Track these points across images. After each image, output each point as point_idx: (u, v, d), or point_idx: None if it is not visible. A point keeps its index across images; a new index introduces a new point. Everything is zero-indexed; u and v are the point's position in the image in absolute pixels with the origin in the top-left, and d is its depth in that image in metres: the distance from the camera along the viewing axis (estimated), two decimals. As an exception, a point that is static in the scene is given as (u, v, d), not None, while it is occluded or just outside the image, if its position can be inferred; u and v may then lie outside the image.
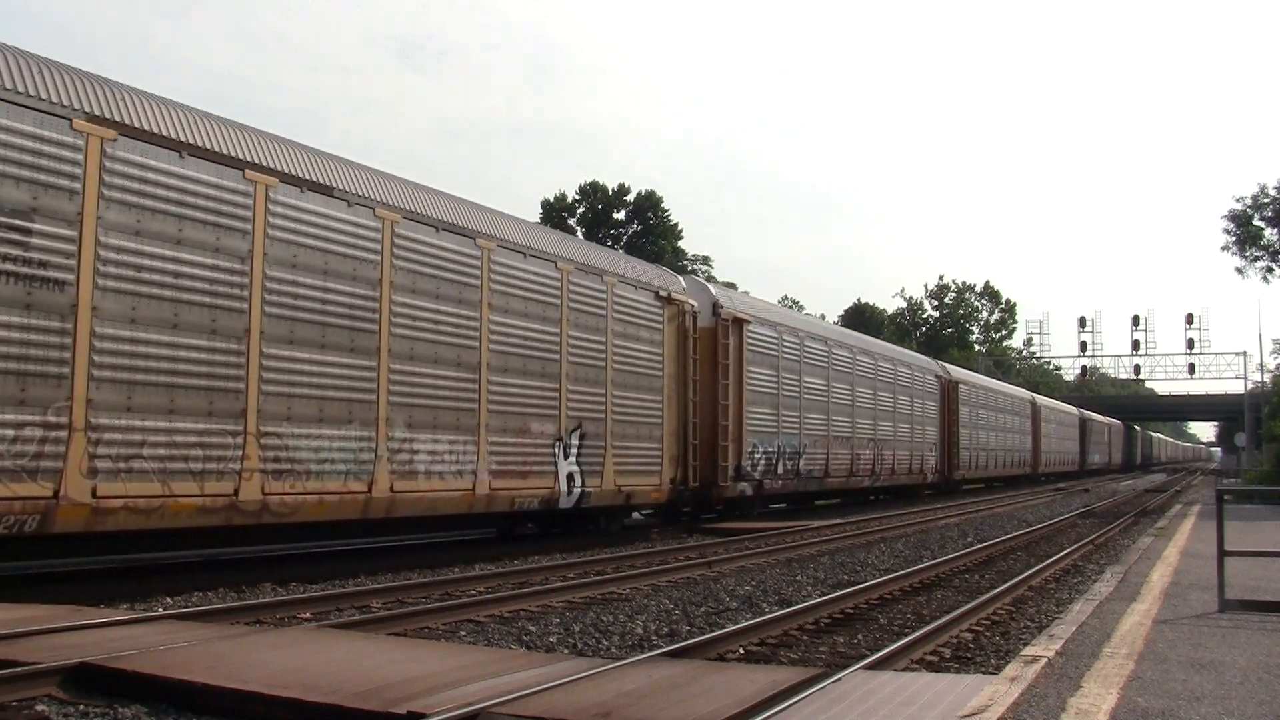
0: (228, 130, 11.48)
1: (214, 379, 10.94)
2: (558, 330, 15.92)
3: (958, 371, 42.98)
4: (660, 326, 18.80)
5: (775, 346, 23.45)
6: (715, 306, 20.85)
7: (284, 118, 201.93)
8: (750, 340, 21.99)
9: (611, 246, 44.28)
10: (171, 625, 8.09)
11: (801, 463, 24.38)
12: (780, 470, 23.37)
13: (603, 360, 17.05)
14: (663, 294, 18.94)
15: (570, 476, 15.95)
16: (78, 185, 9.89)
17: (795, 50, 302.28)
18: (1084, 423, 69.02)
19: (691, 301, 19.84)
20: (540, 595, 10.78)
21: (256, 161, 11.59)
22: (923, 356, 40.91)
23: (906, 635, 8.62)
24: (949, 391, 37.98)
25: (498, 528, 17.06)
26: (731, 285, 53.53)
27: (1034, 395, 57.45)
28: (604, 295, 17.24)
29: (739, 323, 21.64)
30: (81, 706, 5.85)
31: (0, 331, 9.15)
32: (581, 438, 16.24)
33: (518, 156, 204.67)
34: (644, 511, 20.06)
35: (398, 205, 13.25)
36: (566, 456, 15.90)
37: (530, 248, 15.59)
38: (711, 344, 20.52)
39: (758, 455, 22.19)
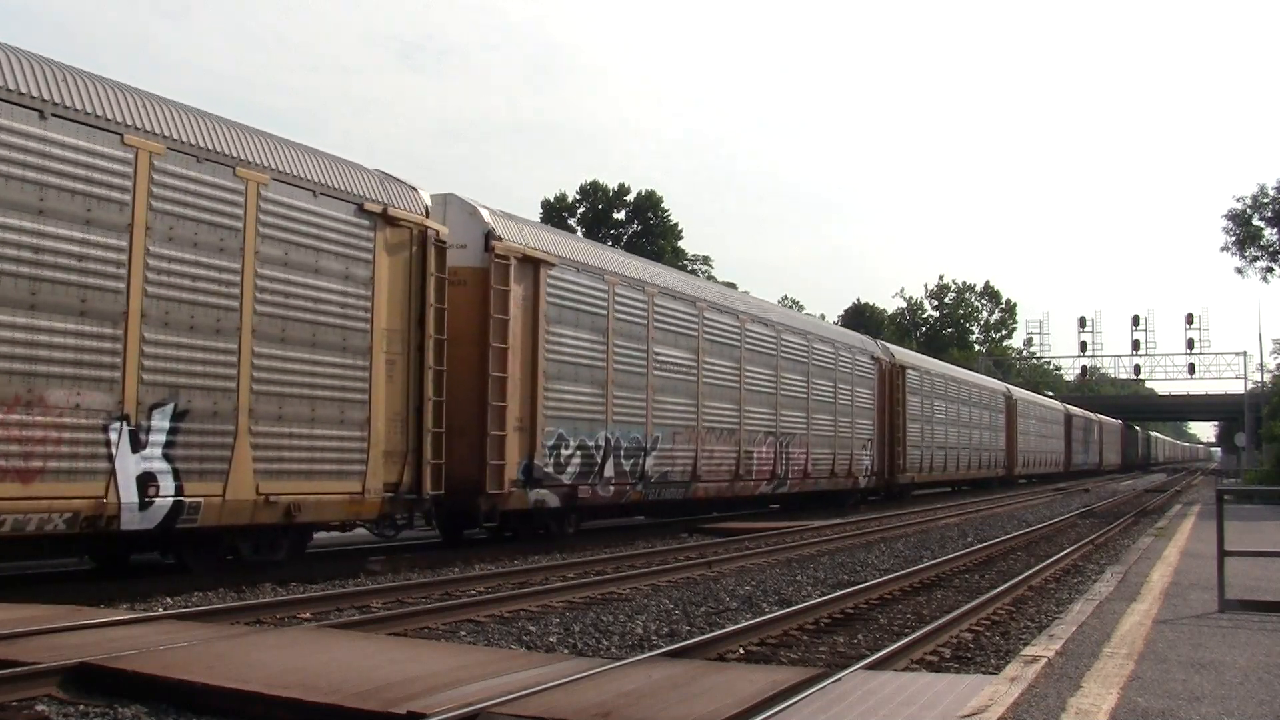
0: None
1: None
2: (120, 239, 10.10)
3: (905, 354, 36.00)
4: (368, 257, 12.82)
5: (601, 302, 17.25)
6: (489, 238, 14.94)
7: (284, 118, 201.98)
8: (553, 289, 16.07)
9: (612, 246, 43.33)
10: (171, 625, 8.09)
11: (649, 462, 18.19)
12: (610, 473, 17.20)
13: (234, 297, 11.15)
14: (373, 207, 12.90)
15: (147, 478, 10.25)
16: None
17: (795, 50, 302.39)
18: (1070, 419, 64.00)
19: (435, 225, 13.89)
20: (540, 595, 10.78)
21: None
22: (855, 333, 33.39)
23: (906, 635, 8.63)
24: (891, 377, 31.25)
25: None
26: (731, 285, 53.10)
27: (1009, 387, 52.15)
28: (236, 196, 11.23)
29: (533, 264, 15.69)
30: (81, 706, 5.85)
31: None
32: (178, 417, 10.56)
33: (518, 156, 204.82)
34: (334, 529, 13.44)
35: None
36: (139, 446, 10.19)
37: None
38: (482, 291, 14.83)
39: (567, 451, 16.23)
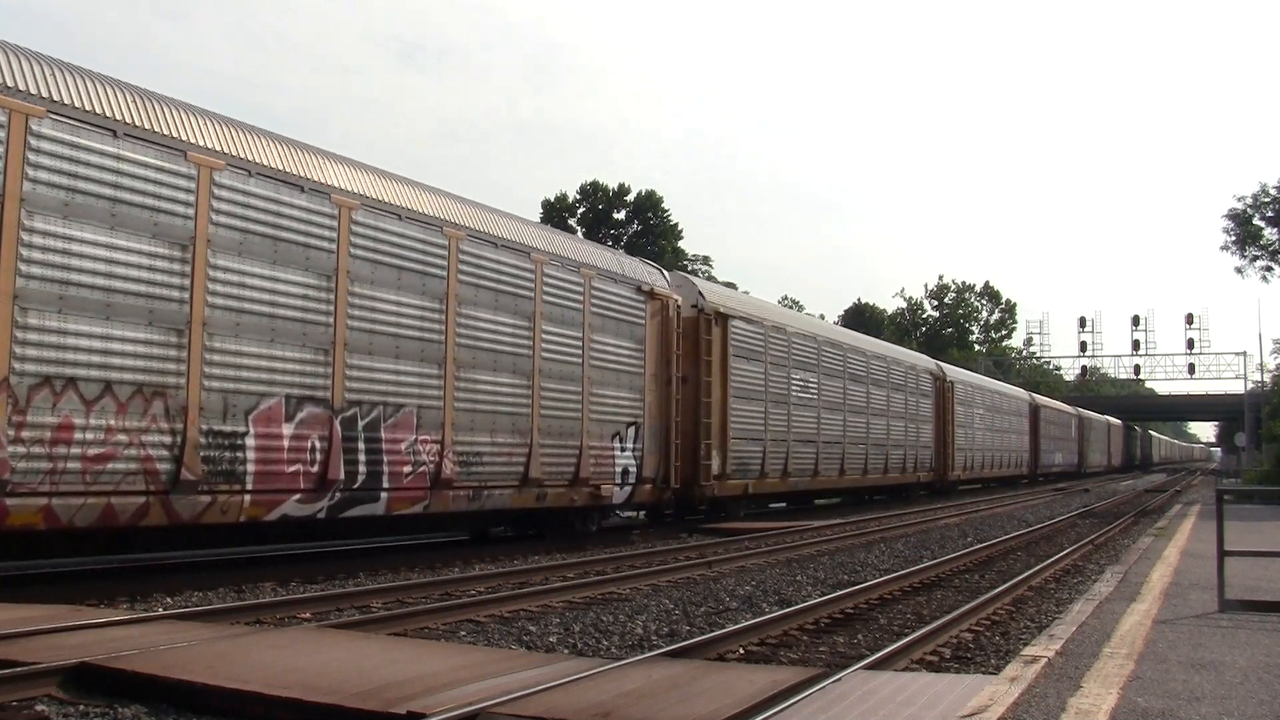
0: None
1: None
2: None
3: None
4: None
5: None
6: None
7: (285, 118, 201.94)
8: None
9: (612, 246, 43.32)
10: (171, 625, 8.09)
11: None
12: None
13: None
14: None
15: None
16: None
17: (796, 51, 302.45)
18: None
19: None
20: (540, 595, 10.78)
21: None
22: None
23: (906, 635, 8.62)
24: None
25: None
26: (732, 285, 53.02)
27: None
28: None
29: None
30: (81, 706, 5.85)
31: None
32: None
33: (518, 156, 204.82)
34: None
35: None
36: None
37: None
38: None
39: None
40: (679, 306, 19.32)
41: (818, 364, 26.16)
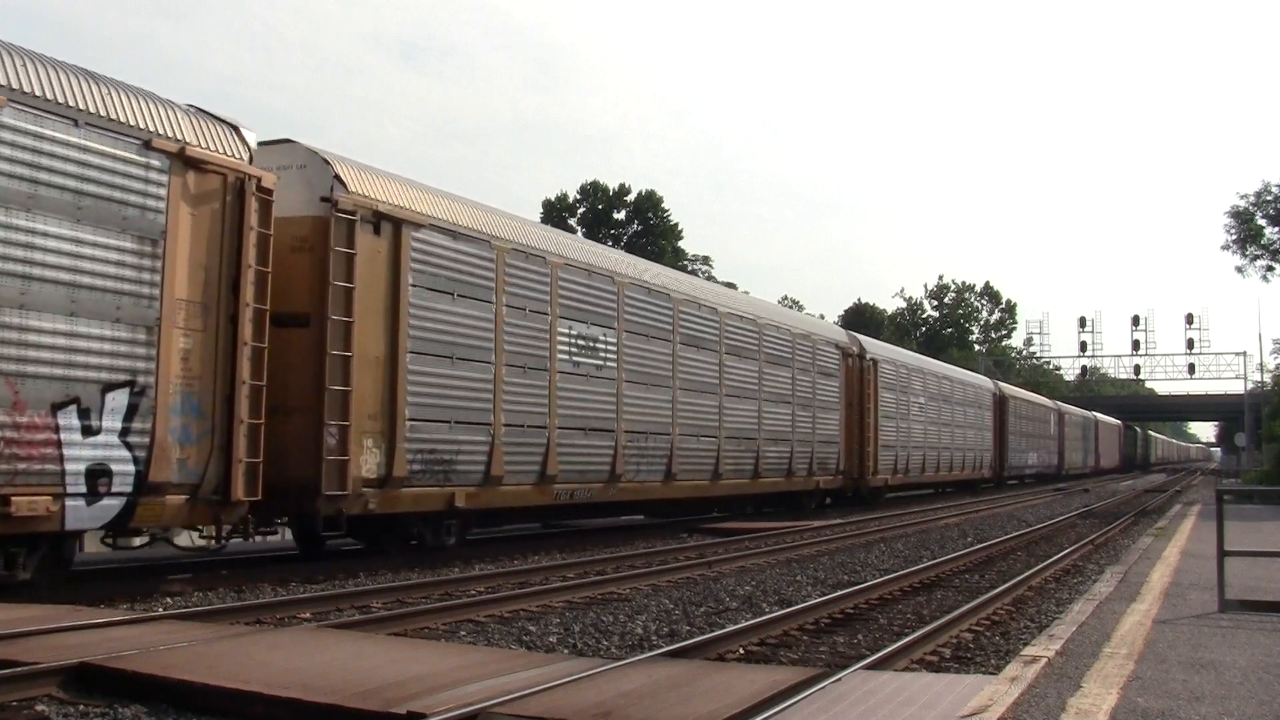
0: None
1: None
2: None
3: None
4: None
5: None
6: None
7: (286, 118, 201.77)
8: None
9: (612, 246, 42.27)
10: (171, 625, 8.09)
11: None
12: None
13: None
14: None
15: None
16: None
17: (797, 51, 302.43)
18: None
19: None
20: (540, 595, 10.78)
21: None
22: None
23: (906, 635, 8.62)
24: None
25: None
26: (732, 285, 52.94)
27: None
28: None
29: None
30: (81, 706, 5.85)
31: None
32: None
33: (519, 156, 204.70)
34: None
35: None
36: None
37: None
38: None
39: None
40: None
41: (616, 315, 17.71)
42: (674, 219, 78.45)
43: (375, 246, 12.83)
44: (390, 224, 13.09)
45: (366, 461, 12.50)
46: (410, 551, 13.87)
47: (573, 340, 16.48)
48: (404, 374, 13.04)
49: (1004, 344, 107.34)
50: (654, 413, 18.66)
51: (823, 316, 68.95)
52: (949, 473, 36.73)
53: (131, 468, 10.03)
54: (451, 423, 13.87)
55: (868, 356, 29.11)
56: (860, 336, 31.11)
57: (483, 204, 15.52)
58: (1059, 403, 62.67)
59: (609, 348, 17.44)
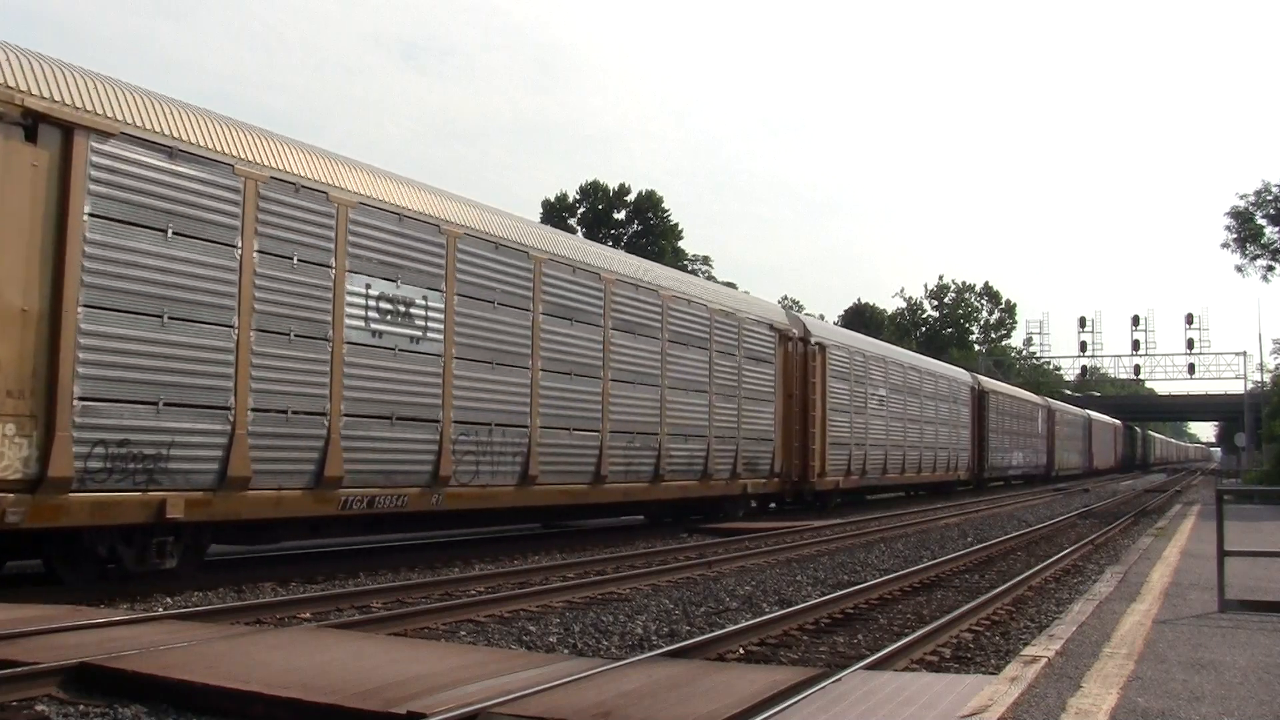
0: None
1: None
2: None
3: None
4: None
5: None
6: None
7: (286, 118, 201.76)
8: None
9: (612, 247, 41.35)
10: (171, 625, 8.09)
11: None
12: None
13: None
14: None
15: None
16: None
17: (797, 51, 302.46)
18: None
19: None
20: (540, 595, 10.78)
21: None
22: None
23: (906, 635, 8.62)
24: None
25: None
26: (732, 285, 52.93)
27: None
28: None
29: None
30: (81, 706, 5.85)
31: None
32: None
33: (519, 156, 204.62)
34: None
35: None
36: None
37: None
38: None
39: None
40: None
41: (445, 274, 14.10)
42: (674, 219, 78.46)
43: (26, 157, 9.54)
44: (56, 129, 9.78)
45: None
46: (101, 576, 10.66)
47: (383, 307, 13.05)
48: (71, 334, 9.72)
49: (1004, 344, 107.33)
50: (505, 399, 14.91)
51: (822, 317, 68.62)
52: (918, 474, 33.40)
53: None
54: (161, 404, 10.46)
55: (813, 340, 25.46)
56: (806, 318, 27.92)
57: (230, 118, 11.88)
58: (1048, 399, 60.04)
59: (434, 315, 13.78)
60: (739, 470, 21.56)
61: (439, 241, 13.97)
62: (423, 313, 13.60)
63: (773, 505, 25.12)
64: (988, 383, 44.45)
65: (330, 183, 12.55)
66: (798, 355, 24.84)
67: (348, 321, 12.51)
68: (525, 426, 15.33)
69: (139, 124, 10.48)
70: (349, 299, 12.54)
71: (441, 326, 13.88)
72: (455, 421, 13.95)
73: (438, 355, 13.80)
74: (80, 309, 9.82)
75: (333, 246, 12.42)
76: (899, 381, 32.01)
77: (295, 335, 11.87)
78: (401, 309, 13.26)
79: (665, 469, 18.82)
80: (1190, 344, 78.94)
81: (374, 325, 12.86)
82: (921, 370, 35.17)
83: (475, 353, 14.43)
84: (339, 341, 12.38)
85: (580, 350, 16.73)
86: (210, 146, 11.19)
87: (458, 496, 14.08)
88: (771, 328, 23.48)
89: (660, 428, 18.80)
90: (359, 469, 12.51)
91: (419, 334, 13.53)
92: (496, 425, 14.75)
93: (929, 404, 34.97)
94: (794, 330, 24.85)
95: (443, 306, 13.91)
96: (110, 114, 10.22)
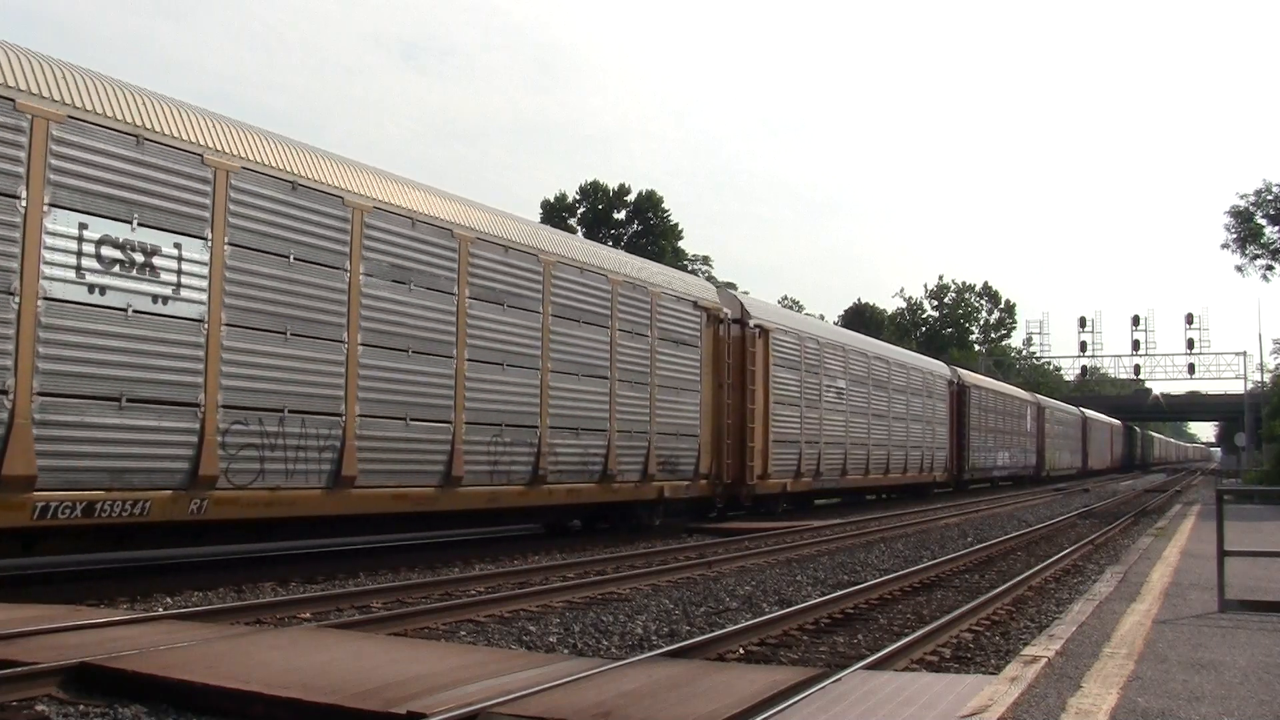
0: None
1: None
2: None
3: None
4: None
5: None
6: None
7: (286, 117, 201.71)
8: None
9: (612, 247, 40.61)
10: (171, 625, 8.09)
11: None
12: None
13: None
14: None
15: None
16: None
17: (797, 51, 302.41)
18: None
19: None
20: (540, 595, 10.78)
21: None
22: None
23: (906, 635, 8.62)
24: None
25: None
26: (732, 285, 52.90)
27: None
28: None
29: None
30: (81, 706, 5.85)
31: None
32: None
33: (519, 156, 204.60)
34: None
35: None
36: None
37: None
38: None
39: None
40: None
41: (211, 218, 11.12)
42: (674, 219, 78.49)
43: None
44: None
45: None
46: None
47: (113, 256, 10.06)
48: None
49: (1004, 344, 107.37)
50: (313, 380, 11.97)
51: (822, 317, 68.59)
52: (885, 475, 30.27)
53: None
54: None
55: (752, 323, 22.08)
56: (744, 298, 24.36)
57: (40, 52, 9.90)
58: (1038, 395, 57.23)
59: (194, 268, 10.77)
60: (652, 471, 18.35)
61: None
62: (178, 265, 10.68)
63: (713, 514, 21.75)
64: (969, 377, 41.67)
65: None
66: (731, 339, 21.39)
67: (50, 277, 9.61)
68: (340, 415, 12.18)
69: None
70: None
71: (206, 286, 10.89)
72: (223, 406, 10.98)
73: (201, 322, 10.85)
74: None
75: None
76: (862, 373, 28.80)
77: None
78: (143, 260, 10.35)
79: (548, 469, 15.71)
80: (1190, 344, 78.84)
81: (86, 278, 9.84)
82: (890, 361, 31.75)
83: (267, 320, 11.54)
84: (44, 304, 9.52)
85: (426, 325, 13.61)
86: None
87: (222, 502, 10.96)
88: (696, 305, 20.24)
89: (541, 420, 15.61)
90: (56, 462, 9.47)
91: (171, 294, 10.57)
92: (307, 414, 11.74)
93: (899, 399, 31.75)
94: (726, 310, 21.41)
95: (208, 259, 10.91)
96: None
